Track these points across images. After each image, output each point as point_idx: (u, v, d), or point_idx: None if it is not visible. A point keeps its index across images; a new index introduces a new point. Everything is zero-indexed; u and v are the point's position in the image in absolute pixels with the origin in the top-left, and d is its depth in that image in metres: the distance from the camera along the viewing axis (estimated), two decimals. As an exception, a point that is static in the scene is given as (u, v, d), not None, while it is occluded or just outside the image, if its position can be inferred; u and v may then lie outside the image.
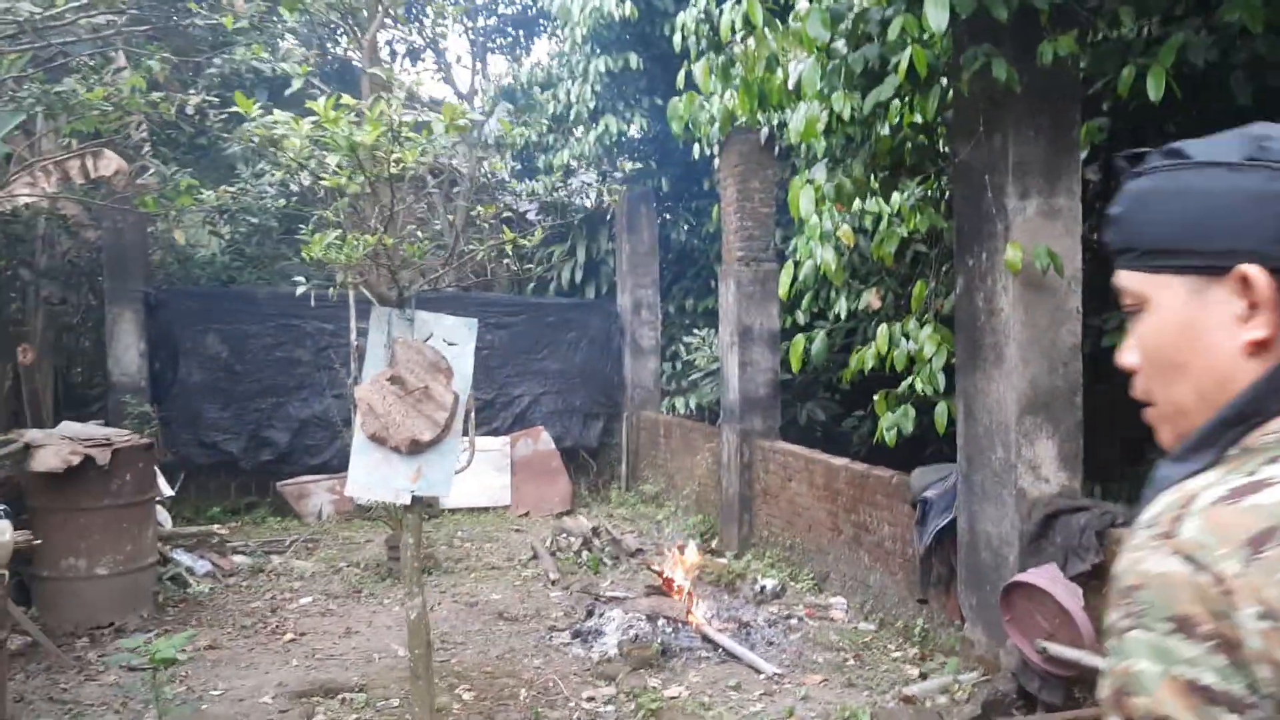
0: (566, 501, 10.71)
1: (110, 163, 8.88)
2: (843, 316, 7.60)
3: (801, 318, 8.32)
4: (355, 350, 4.66)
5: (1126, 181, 1.04)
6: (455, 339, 4.39)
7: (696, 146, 9.71)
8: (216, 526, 8.32)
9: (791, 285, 6.39)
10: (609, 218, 12.58)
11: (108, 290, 10.16)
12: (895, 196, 5.78)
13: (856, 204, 5.99)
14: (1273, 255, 0.92)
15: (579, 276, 12.38)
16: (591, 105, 10.66)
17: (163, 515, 8.41)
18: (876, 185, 5.82)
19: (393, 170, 3.81)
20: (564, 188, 12.41)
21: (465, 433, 4.47)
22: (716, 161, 9.87)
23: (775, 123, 7.65)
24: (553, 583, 7.70)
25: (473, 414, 4.43)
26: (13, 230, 10.43)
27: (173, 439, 10.11)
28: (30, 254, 10.98)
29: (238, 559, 8.22)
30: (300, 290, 4.55)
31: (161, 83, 7.85)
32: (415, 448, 4.32)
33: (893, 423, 5.83)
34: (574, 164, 11.82)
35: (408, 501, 4.39)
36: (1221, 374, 0.95)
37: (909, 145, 5.72)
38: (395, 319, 4.31)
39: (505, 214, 11.87)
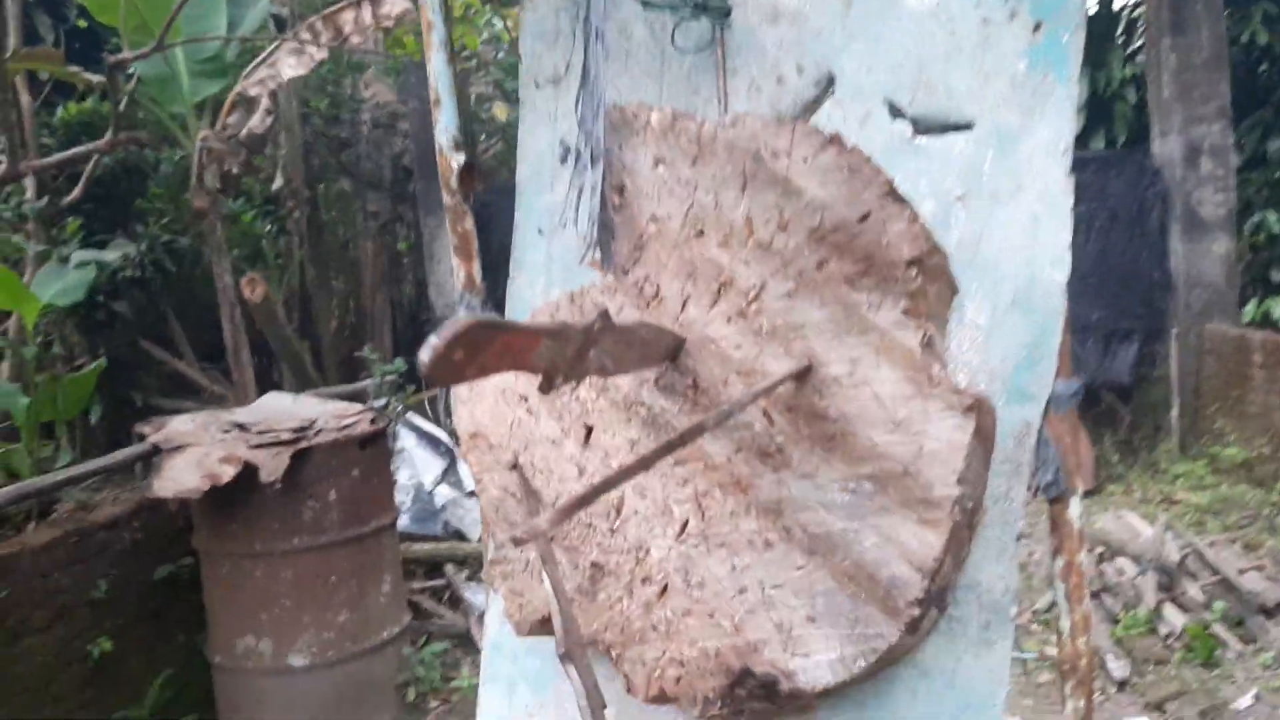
0: (1087, 474, 6.69)
1: (394, 5, 6.29)
2: None
3: None
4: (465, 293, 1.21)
5: None
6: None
7: None
8: (533, 543, 5.40)
9: None
10: (1126, 27, 8.15)
11: (420, 196, 7.59)
12: None
13: None
14: None
15: (1079, 121, 8.08)
16: None
17: (467, 516, 5.64)
18: None
19: None
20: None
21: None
22: None
23: None
24: (1119, 686, 3.89)
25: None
26: (321, 129, 8.22)
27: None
28: (354, 160, 8.80)
29: (570, 591, 5.25)
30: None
31: None
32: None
33: None
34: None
35: None
36: None
37: None
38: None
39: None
